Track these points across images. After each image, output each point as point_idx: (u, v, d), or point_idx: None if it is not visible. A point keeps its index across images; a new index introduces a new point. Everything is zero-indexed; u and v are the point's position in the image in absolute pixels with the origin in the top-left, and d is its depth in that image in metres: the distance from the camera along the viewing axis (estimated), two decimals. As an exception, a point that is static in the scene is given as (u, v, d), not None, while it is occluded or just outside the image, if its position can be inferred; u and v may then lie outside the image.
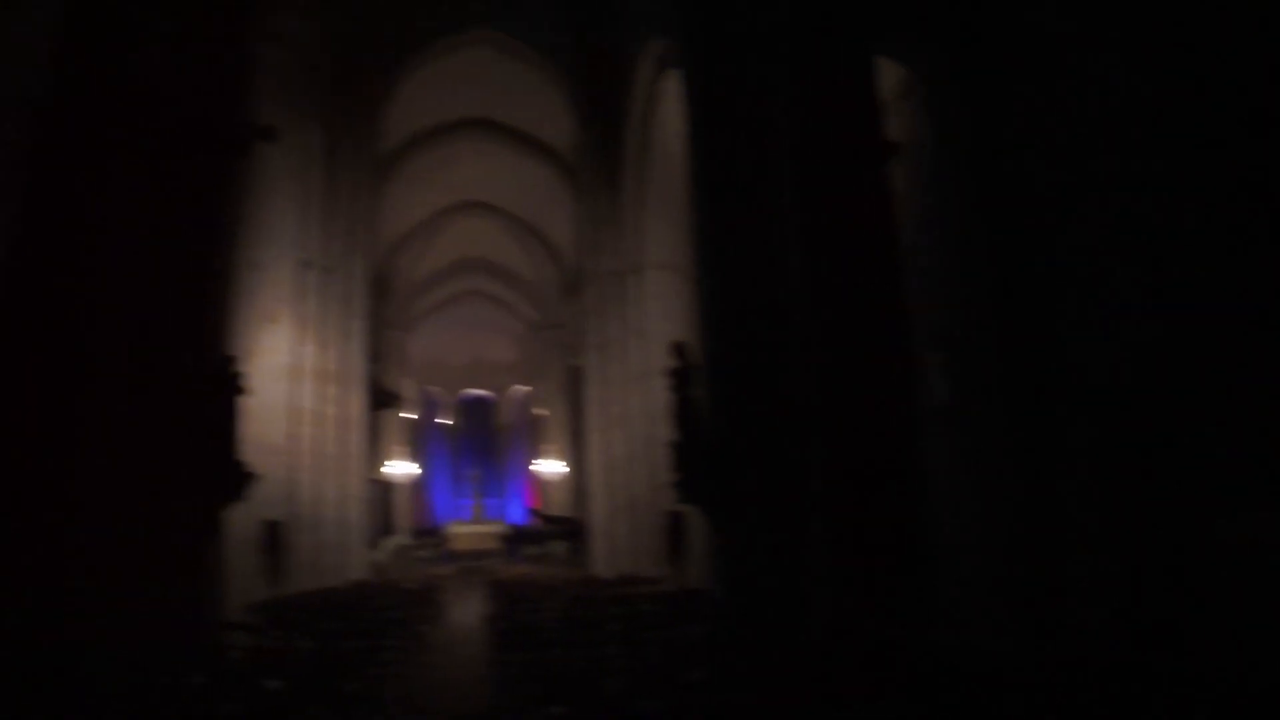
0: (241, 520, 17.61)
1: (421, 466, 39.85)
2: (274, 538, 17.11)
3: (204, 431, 10.69)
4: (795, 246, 10.07)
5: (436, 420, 44.27)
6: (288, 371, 18.56)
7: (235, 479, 11.10)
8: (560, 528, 31.17)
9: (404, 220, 31.34)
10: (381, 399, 25.83)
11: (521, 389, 44.22)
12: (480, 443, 44.58)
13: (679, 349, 11.93)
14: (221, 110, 11.58)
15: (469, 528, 35.83)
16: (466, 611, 19.60)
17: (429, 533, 36.61)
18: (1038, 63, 9.84)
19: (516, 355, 43.62)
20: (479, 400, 45.48)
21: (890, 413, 9.18)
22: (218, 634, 10.26)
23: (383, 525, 24.23)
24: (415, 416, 40.68)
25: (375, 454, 29.95)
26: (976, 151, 10.89)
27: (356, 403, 20.29)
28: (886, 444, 9.09)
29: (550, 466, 37.40)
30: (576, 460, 34.30)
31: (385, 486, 25.39)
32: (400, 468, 34.41)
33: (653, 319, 20.58)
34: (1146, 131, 8.20)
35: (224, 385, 11.18)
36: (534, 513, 36.96)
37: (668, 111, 19.46)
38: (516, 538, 33.14)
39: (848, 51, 10.25)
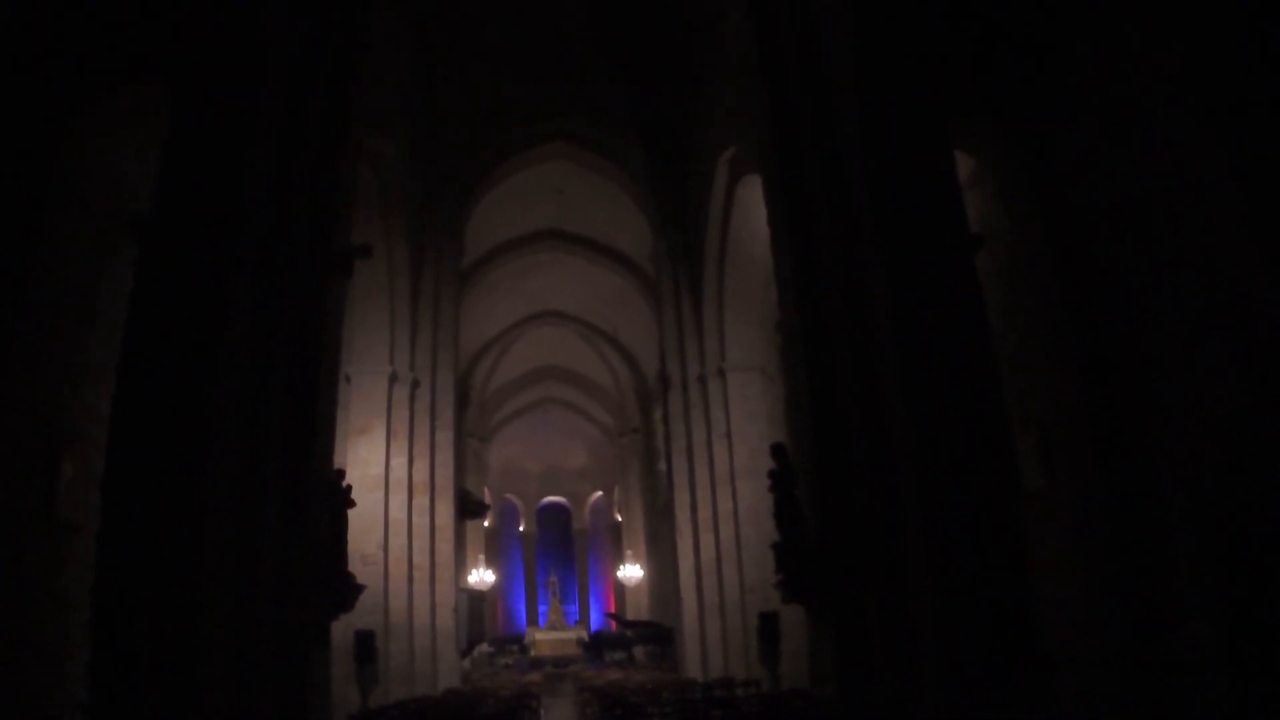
0: (335, 630, 17.66)
1: (499, 574, 39.65)
2: (367, 646, 16.99)
3: (317, 544, 10.72)
4: (887, 338, 9.99)
5: (514, 528, 44.10)
6: (379, 482, 18.58)
7: (345, 590, 11.11)
8: (642, 631, 30.68)
9: (482, 331, 31.59)
10: (469, 508, 25.85)
11: (597, 495, 44.12)
12: (557, 549, 44.36)
13: (778, 450, 11.81)
14: (325, 229, 11.83)
15: (550, 634, 35.53)
16: (565, 719, 19.35)
17: (510, 640, 36.18)
18: (1118, 137, 9.80)
19: (592, 462, 43.60)
20: (556, 507, 45.32)
21: (993, 500, 9.00)
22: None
23: (475, 633, 24.05)
24: (491, 524, 40.61)
25: (462, 563, 29.94)
26: (1054, 235, 10.83)
27: (445, 512, 20.25)
28: (990, 532, 8.89)
29: (630, 571, 37.07)
30: (655, 565, 34.06)
31: (474, 595, 25.27)
32: (480, 575, 34.24)
33: (738, 421, 20.33)
34: (1236, 206, 8.10)
35: (334, 498, 11.25)
36: (613, 617, 36.54)
37: (745, 215, 19.57)
38: (598, 643, 32.72)
39: (927, 141, 10.31)
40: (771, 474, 11.71)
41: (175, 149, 9.66)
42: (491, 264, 27.53)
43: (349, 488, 11.35)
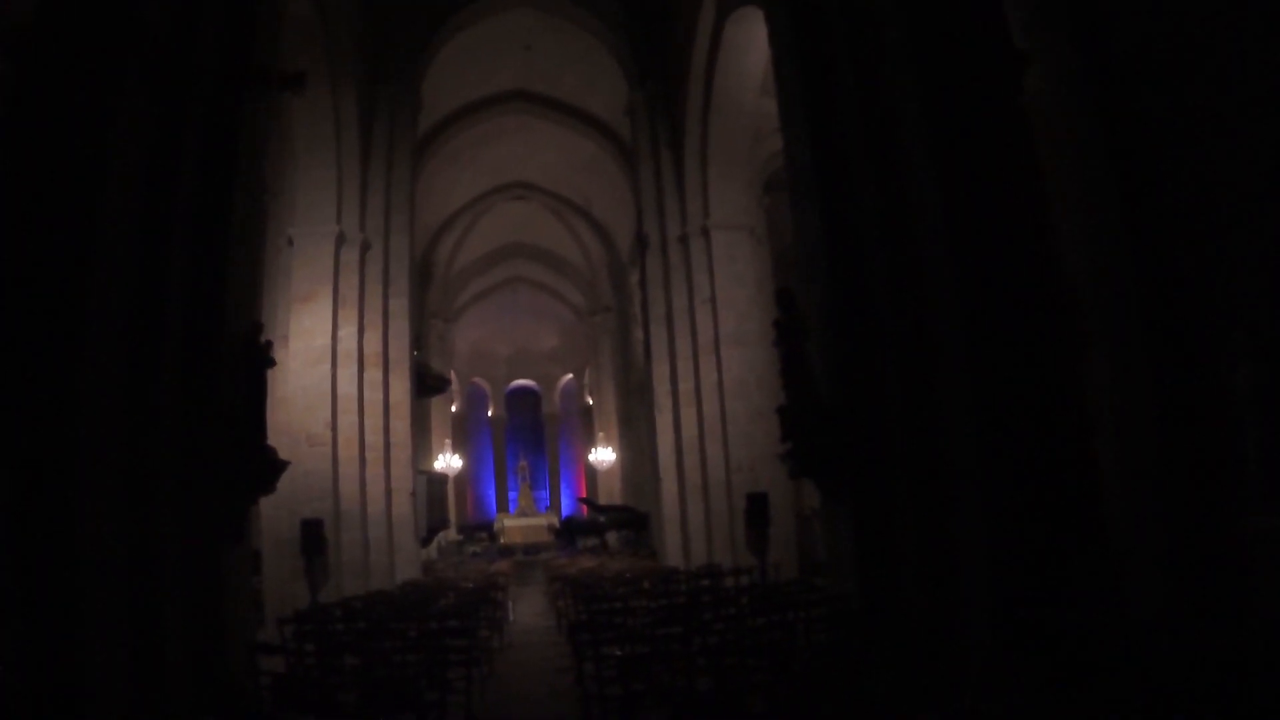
0: (276, 519, 15.70)
1: (468, 460, 37.95)
2: (314, 537, 15.03)
3: (228, 412, 8.62)
4: (922, 173, 7.92)
5: (483, 413, 42.36)
6: (325, 354, 16.42)
7: (265, 468, 9.01)
8: (616, 517, 29.03)
9: (444, 204, 29.54)
10: (428, 384, 23.72)
11: (568, 378, 42.33)
12: (528, 434, 42.80)
13: (785, 297, 9.71)
14: (241, 38, 9.54)
15: (520, 521, 34.09)
16: (534, 611, 17.56)
17: (479, 527, 34.91)
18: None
19: (563, 343, 41.83)
20: (525, 390, 43.57)
21: (1051, 361, 7.13)
22: (248, 659, 8.15)
23: (436, 520, 22.15)
24: (459, 409, 38.83)
25: (424, 446, 28.05)
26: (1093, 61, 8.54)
27: (400, 387, 18.12)
28: (1051, 400, 7.05)
29: (602, 455, 35.36)
30: (628, 448, 32.49)
31: (435, 479, 23.35)
32: (447, 461, 32.40)
33: (724, 284, 18.28)
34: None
35: (251, 357, 9.09)
36: (584, 502, 34.94)
37: (733, 59, 17.34)
38: (569, 529, 31.13)
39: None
40: (777, 324, 9.70)
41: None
42: (452, 130, 25.12)
43: (268, 344, 9.16)
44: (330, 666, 7.88)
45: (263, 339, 9.18)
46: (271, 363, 9.18)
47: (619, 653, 7.03)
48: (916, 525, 8.28)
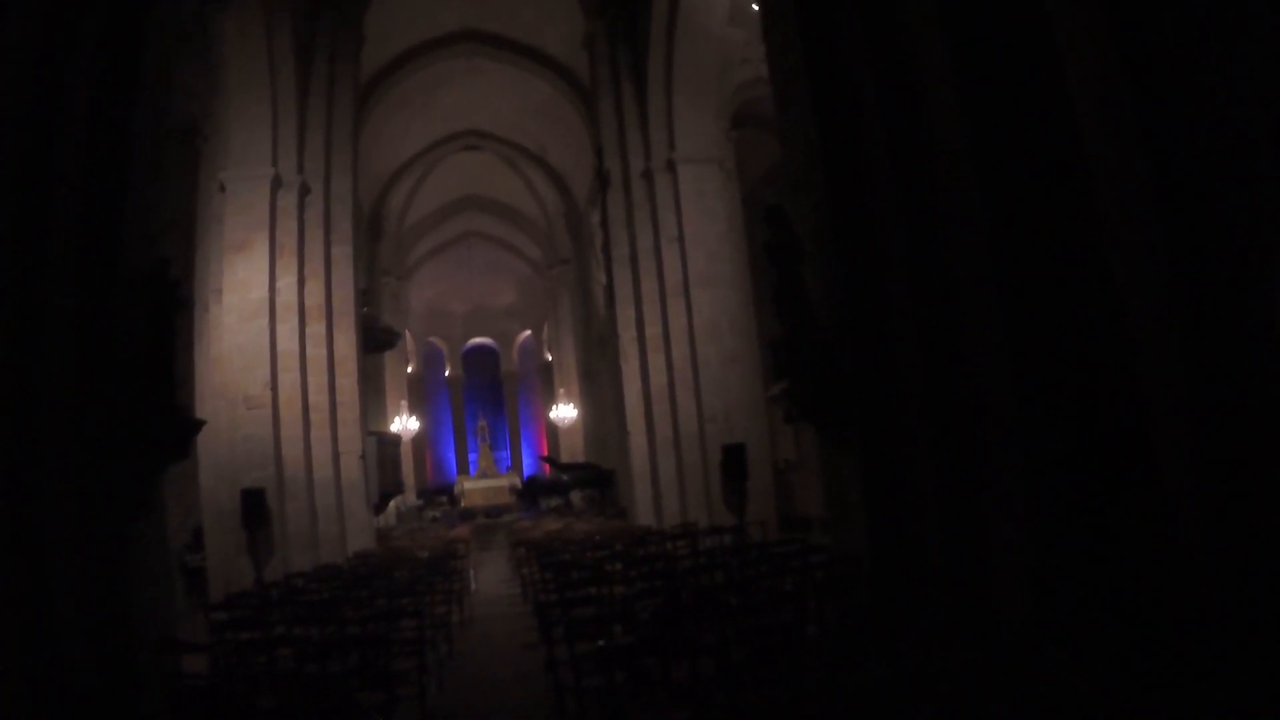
0: (215, 490, 14.26)
1: (426, 422, 36.56)
2: (257, 508, 13.62)
3: (129, 363, 7.18)
4: (937, 60, 6.66)
5: (440, 373, 40.94)
6: (262, 308, 14.88)
7: (175, 429, 7.57)
8: (580, 475, 27.82)
9: (394, 154, 27.82)
10: (376, 338, 22.14)
11: (526, 334, 40.98)
12: (486, 393, 41.42)
13: (777, 215, 8.35)
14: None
15: (481, 483, 32.86)
16: (498, 578, 16.26)
17: (439, 491, 33.61)
18: None
19: (520, 299, 40.49)
20: (483, 349, 42.16)
21: (1090, 275, 5.79)
22: (156, 659, 6.73)
23: (389, 484, 20.71)
24: (415, 370, 37.42)
25: (378, 408, 26.60)
26: None
27: (346, 341, 16.50)
28: (1088, 316, 5.86)
29: (563, 412, 34.05)
30: (590, 403, 31.43)
31: (387, 440, 21.88)
32: (404, 423, 30.94)
33: (693, 221, 16.91)
34: None
35: (156, 297, 7.62)
36: (546, 460, 33.70)
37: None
38: (532, 489, 29.90)
39: None
40: (767, 246, 8.42)
41: None
42: (400, 73, 23.35)
43: (177, 283, 7.68)
44: (253, 665, 6.48)
45: (171, 275, 7.70)
46: (181, 305, 7.74)
47: (601, 643, 5.70)
48: (937, 472, 7.04)
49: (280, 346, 14.98)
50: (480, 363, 42.13)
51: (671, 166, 17.15)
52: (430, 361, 40.51)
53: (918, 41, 7.06)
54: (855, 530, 7.88)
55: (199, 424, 7.66)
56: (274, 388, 14.67)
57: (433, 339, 40.62)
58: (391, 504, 23.56)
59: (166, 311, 7.60)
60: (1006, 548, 6.27)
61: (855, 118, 8.05)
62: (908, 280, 7.30)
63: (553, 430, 37.01)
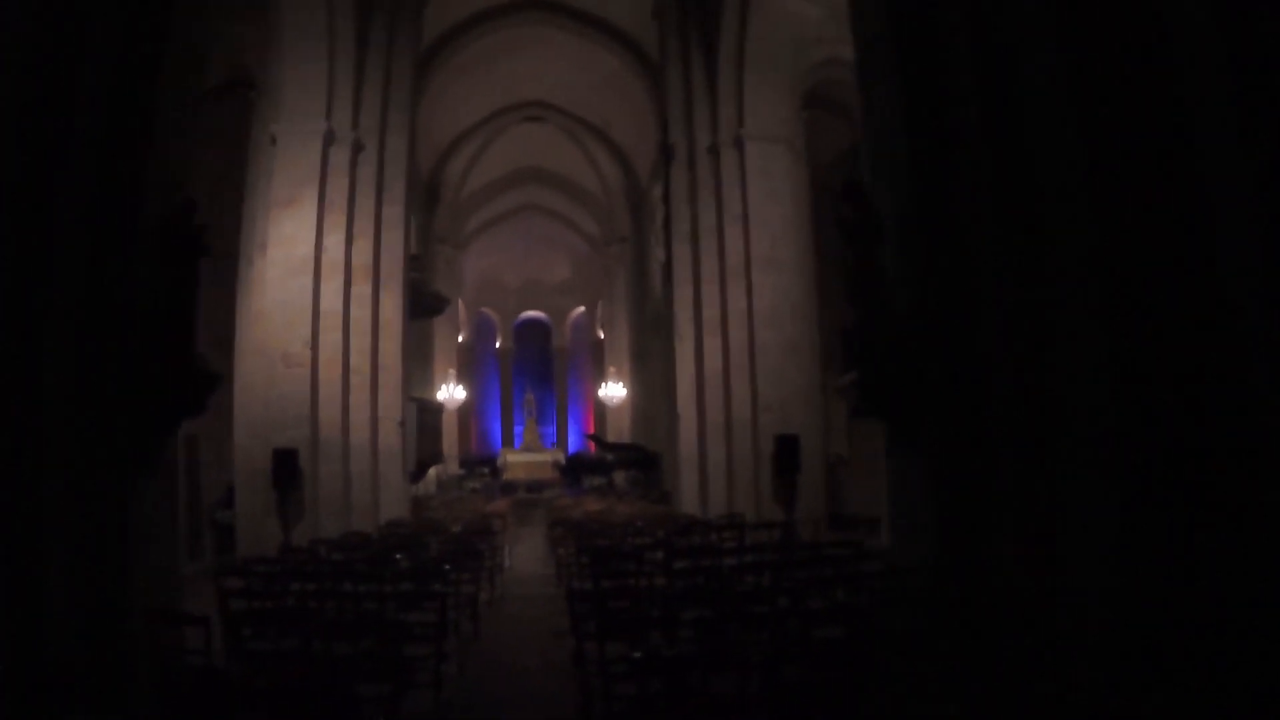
0: (249, 448, 13.78)
1: (473, 392, 36.16)
2: (288, 469, 13.11)
3: (144, 311, 6.60)
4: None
5: (490, 344, 40.59)
6: (307, 265, 14.36)
7: (190, 382, 6.98)
8: (625, 455, 27.24)
9: (454, 122, 27.42)
10: (427, 304, 21.56)
11: (579, 311, 40.43)
12: (535, 367, 40.95)
13: (855, 191, 7.61)
14: None
15: (524, 456, 32.49)
16: (534, 556, 15.64)
17: (481, 462, 33.16)
18: None
19: (575, 275, 39.97)
20: (535, 322, 41.70)
21: (1201, 279, 5.04)
22: (150, 633, 6.14)
23: (429, 453, 20.20)
24: (465, 339, 37.01)
25: (425, 375, 26.14)
26: None
27: (392, 305, 15.95)
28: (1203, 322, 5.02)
29: (612, 391, 33.45)
30: (640, 384, 30.91)
31: (429, 408, 21.34)
32: (450, 392, 30.52)
33: (757, 201, 16.20)
34: None
35: (177, 241, 7.03)
36: (592, 438, 33.15)
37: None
38: (575, 466, 29.34)
39: None
40: (842, 223, 7.62)
41: None
42: (464, 39, 22.76)
43: (201, 229, 7.07)
44: (257, 643, 5.88)
45: (195, 220, 7.09)
46: (206, 250, 7.08)
47: (635, 654, 5.03)
48: (1018, 481, 6.28)
49: (324, 305, 14.46)
50: (531, 336, 41.67)
51: (739, 143, 16.45)
52: (481, 332, 40.11)
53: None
54: (922, 540, 7.13)
55: (217, 378, 7.04)
56: (314, 347, 14.17)
57: (485, 310, 40.18)
58: (432, 471, 23.11)
59: (190, 257, 7.00)
60: (1094, 571, 5.53)
61: (945, 89, 7.30)
62: (996, 270, 6.54)
63: (600, 409, 36.52)
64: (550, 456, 32.69)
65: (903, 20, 7.79)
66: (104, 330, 6.22)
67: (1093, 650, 5.39)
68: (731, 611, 6.15)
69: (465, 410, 34.62)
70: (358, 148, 15.58)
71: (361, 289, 15.21)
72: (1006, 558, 6.32)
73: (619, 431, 33.29)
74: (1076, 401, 5.73)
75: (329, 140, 15.06)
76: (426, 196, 27.74)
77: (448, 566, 8.21)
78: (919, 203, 7.23)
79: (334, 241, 14.78)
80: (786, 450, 14.14)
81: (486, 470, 31.66)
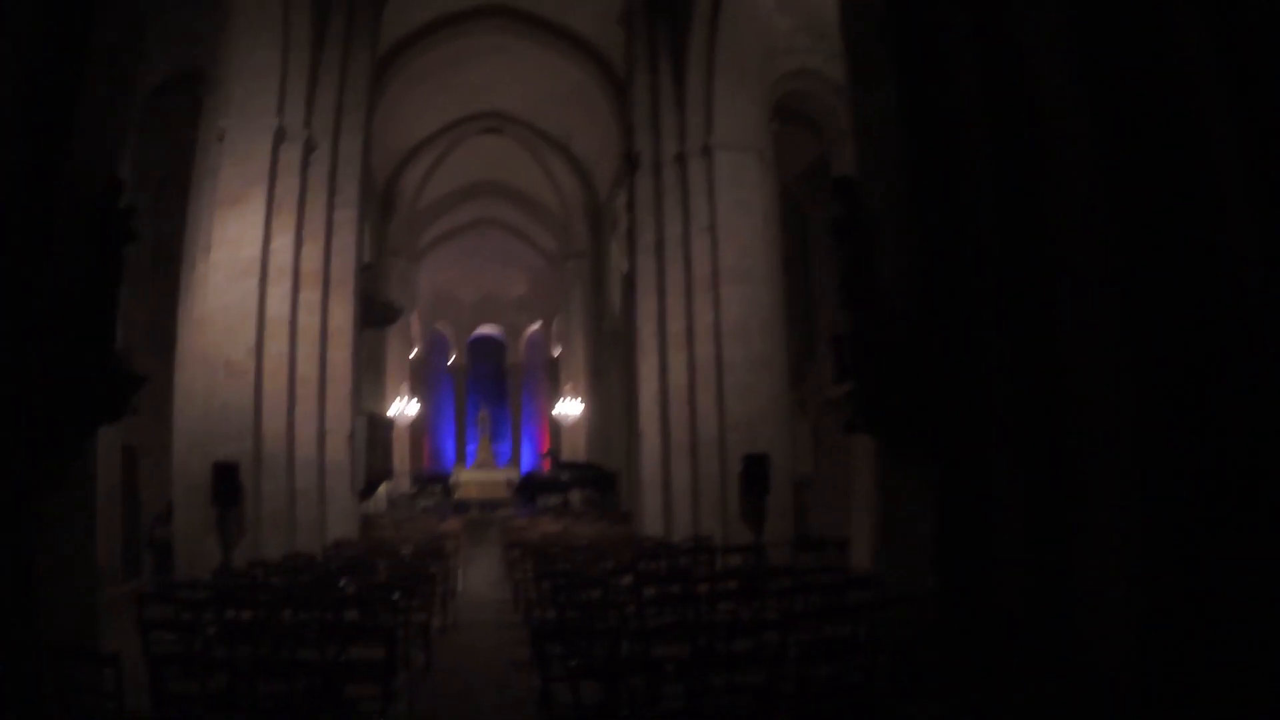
0: (186, 460, 12.87)
1: (426, 408, 35.43)
2: (229, 484, 12.24)
3: (54, 305, 5.79)
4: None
5: (444, 360, 39.99)
6: (252, 267, 13.44)
7: (111, 384, 6.17)
8: (581, 474, 26.64)
9: (410, 131, 26.75)
10: (378, 313, 20.72)
11: (535, 327, 39.94)
12: (490, 384, 40.42)
13: (845, 188, 6.99)
14: None
15: (478, 474, 31.89)
16: (487, 579, 14.88)
17: (433, 479, 32.41)
18: None
19: (532, 291, 39.59)
20: (489, 339, 41.17)
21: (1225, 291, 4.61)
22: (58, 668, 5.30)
23: (379, 470, 19.35)
24: (418, 354, 36.33)
25: (376, 389, 25.27)
26: None
27: (342, 312, 15.17)
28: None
29: (568, 408, 32.76)
30: (597, 401, 30.25)
31: (379, 422, 20.48)
32: (402, 407, 29.66)
33: (727, 212, 15.57)
34: None
35: (102, 226, 6.23)
36: (547, 456, 32.50)
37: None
38: (529, 486, 28.58)
39: None
40: (836, 224, 7.03)
41: None
42: (423, 44, 22.20)
43: (129, 211, 6.28)
44: (170, 690, 5.08)
45: (123, 202, 6.31)
46: (130, 237, 6.29)
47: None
48: (1026, 501, 5.66)
49: (270, 311, 13.56)
50: (486, 352, 41.13)
51: (707, 151, 15.85)
52: (435, 347, 39.55)
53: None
54: (919, 566, 6.49)
55: (139, 380, 6.24)
56: (259, 355, 13.27)
57: (439, 325, 39.61)
58: (382, 489, 22.30)
59: (113, 244, 6.21)
60: (1112, 602, 5.02)
61: (942, 78, 6.74)
62: (1000, 274, 5.94)
63: (555, 427, 35.94)
64: (504, 475, 32.06)
65: (899, 14, 7.23)
66: (6, 320, 5.43)
67: (1102, 681, 4.84)
68: (718, 655, 5.46)
69: (418, 426, 33.86)
70: (310, 147, 14.76)
71: (310, 295, 14.36)
72: (1011, 585, 5.70)
73: (574, 449, 32.74)
74: (1095, 413, 5.16)
75: (280, 138, 14.19)
76: (381, 206, 27.08)
77: (397, 595, 7.42)
78: (914, 200, 6.63)
79: (282, 244, 13.92)
80: (755, 469, 13.50)
81: (439, 488, 30.96)
